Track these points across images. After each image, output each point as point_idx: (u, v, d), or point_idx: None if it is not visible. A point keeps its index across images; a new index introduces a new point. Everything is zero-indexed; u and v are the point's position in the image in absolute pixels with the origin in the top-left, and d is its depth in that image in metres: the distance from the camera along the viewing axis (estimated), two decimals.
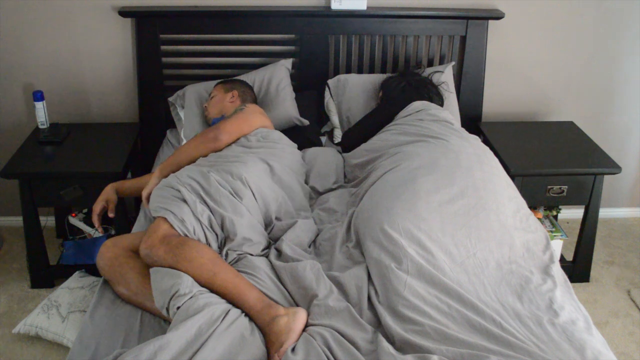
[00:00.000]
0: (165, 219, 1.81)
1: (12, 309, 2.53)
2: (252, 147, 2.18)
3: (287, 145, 2.29)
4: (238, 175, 1.97)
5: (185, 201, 1.86)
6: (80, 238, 2.73)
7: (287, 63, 2.76)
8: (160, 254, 1.71)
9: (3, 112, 2.86)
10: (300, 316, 1.60)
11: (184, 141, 2.61)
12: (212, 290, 1.67)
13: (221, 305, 1.60)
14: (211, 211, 1.87)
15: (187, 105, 2.64)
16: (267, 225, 2.03)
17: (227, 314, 1.58)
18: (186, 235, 1.79)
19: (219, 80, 2.64)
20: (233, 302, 1.65)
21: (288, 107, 2.62)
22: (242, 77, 2.70)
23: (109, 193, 2.24)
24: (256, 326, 1.61)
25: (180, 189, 1.89)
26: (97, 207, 2.19)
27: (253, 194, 1.97)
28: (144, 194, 2.09)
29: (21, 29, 2.70)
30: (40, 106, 2.63)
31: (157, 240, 1.74)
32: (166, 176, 2.07)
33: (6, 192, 2.96)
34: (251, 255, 1.86)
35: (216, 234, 1.87)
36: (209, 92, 2.59)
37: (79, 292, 2.38)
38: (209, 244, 1.83)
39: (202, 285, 1.67)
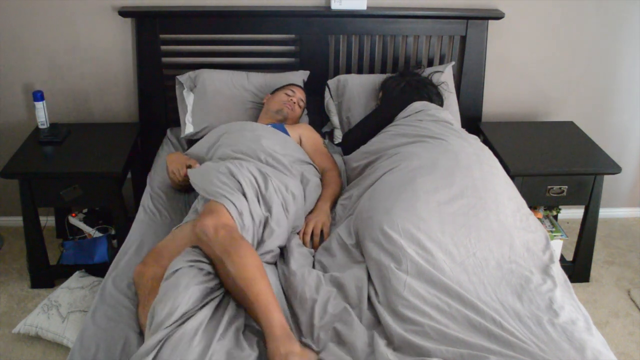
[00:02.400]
0: (224, 206, 1.78)
1: (12, 309, 2.53)
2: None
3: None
4: (292, 191, 2.00)
5: (245, 195, 1.86)
6: (80, 238, 2.73)
7: (305, 75, 2.76)
8: (219, 236, 1.67)
9: (3, 112, 2.86)
10: None
11: (188, 126, 2.61)
12: (243, 296, 1.62)
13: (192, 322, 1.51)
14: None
15: (198, 89, 2.63)
16: None
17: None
18: (241, 228, 1.77)
19: (301, 86, 2.65)
20: (256, 315, 1.59)
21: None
22: (257, 78, 2.71)
23: (180, 155, 2.29)
24: (245, 342, 1.55)
25: (242, 182, 1.89)
26: (183, 170, 2.19)
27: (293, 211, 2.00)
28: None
29: (21, 29, 2.69)
30: (40, 106, 2.63)
31: (221, 224, 1.71)
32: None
33: (6, 192, 2.96)
34: (266, 263, 1.84)
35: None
36: (292, 91, 2.55)
37: (79, 292, 2.38)
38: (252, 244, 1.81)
39: (236, 287, 1.63)
